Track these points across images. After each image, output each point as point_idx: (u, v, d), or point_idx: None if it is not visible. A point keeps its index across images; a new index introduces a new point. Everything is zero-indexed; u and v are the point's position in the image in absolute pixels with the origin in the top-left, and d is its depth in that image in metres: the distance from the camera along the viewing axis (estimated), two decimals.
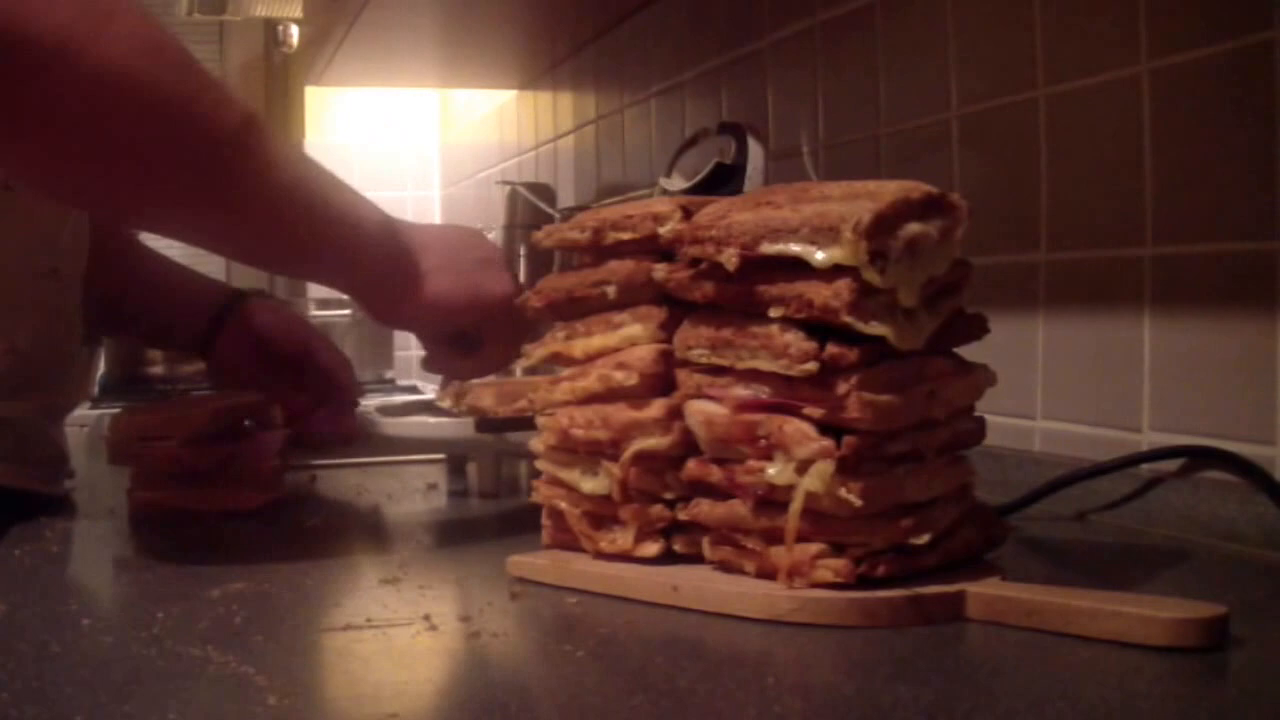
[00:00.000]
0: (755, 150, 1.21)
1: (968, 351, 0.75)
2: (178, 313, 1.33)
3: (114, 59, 0.77)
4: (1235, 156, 0.89)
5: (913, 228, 0.68)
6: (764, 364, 0.69)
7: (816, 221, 0.67)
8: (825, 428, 0.68)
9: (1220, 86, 0.90)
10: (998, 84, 1.11)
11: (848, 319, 0.66)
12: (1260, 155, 0.87)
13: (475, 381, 1.08)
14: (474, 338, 1.06)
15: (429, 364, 1.10)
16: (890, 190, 0.69)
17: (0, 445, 1.11)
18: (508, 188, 1.96)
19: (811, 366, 0.67)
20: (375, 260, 0.95)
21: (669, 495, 0.77)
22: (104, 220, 1.19)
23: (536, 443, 0.83)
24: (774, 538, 0.70)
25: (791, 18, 1.43)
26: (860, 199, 0.69)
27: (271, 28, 3.29)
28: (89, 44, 0.76)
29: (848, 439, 0.67)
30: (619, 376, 0.78)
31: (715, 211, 0.73)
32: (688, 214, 0.74)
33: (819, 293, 0.67)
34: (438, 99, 3.23)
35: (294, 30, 3.14)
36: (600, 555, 0.78)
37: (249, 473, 1.07)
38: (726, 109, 1.60)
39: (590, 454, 0.79)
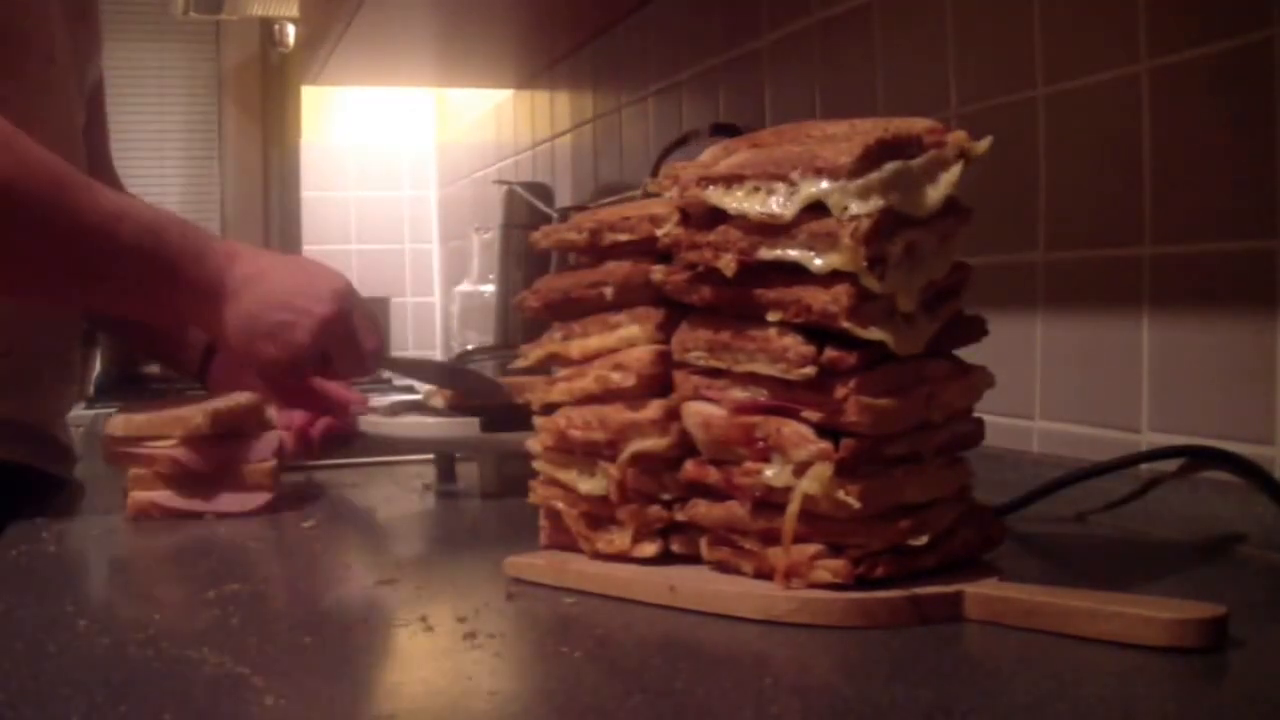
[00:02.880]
0: None
1: (966, 352, 0.75)
2: (179, 328, 1.34)
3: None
4: (1234, 156, 0.89)
5: (912, 233, 0.68)
6: (762, 367, 0.69)
7: (814, 227, 0.67)
8: (823, 429, 0.68)
9: (1219, 86, 0.90)
10: (996, 83, 1.11)
11: (846, 324, 0.66)
12: (1259, 154, 0.86)
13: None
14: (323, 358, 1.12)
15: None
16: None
17: (10, 437, 1.13)
18: (505, 187, 1.95)
19: (810, 370, 0.67)
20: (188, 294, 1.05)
21: (666, 496, 0.77)
22: None
23: (534, 443, 0.83)
24: (772, 539, 0.70)
25: (789, 17, 1.43)
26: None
27: (267, 27, 3.28)
28: None
29: (846, 441, 0.67)
30: (616, 377, 0.78)
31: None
32: (686, 218, 0.74)
33: (817, 298, 0.67)
34: (434, 98, 3.23)
35: (290, 29, 3.14)
36: (598, 556, 0.78)
37: (246, 474, 1.07)
38: (724, 109, 1.60)
39: (588, 455, 0.79)
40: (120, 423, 1.06)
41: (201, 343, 1.32)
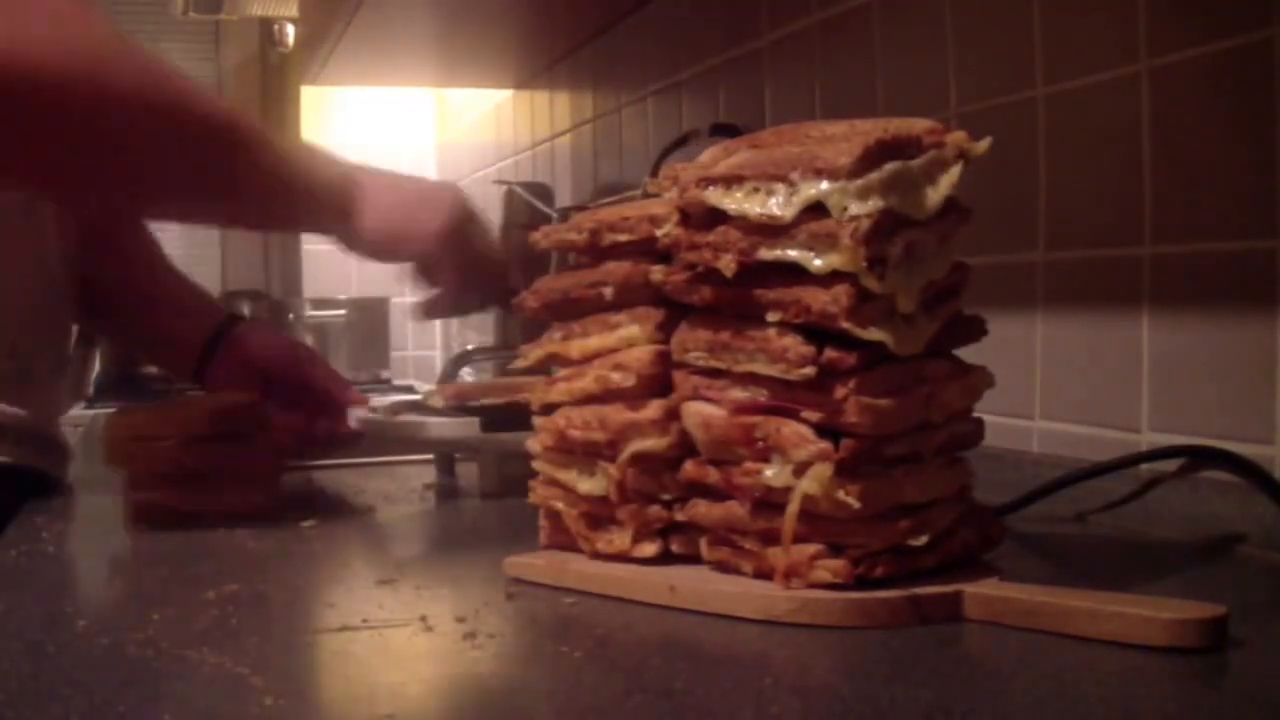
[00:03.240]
0: None
1: (965, 352, 0.75)
2: (174, 333, 1.35)
3: (118, 90, 0.89)
4: (1234, 155, 0.89)
5: (911, 233, 0.68)
6: (762, 367, 0.69)
7: (814, 228, 0.67)
8: (823, 429, 0.68)
9: (1219, 85, 0.90)
10: (996, 83, 1.11)
11: (846, 325, 0.66)
12: (1259, 154, 0.86)
13: (469, 381, 1.12)
14: (432, 271, 1.17)
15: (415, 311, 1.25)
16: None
17: (6, 438, 1.13)
18: (504, 187, 1.95)
19: (810, 371, 0.67)
20: (333, 209, 1.10)
21: (666, 496, 0.77)
22: (114, 215, 1.32)
23: (534, 443, 0.83)
24: (772, 539, 0.70)
25: (789, 17, 1.43)
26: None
27: (267, 27, 3.28)
28: (91, 78, 0.87)
29: (846, 442, 0.67)
30: (616, 377, 0.77)
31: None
32: (686, 218, 0.74)
33: (817, 298, 0.67)
34: (434, 98, 3.23)
35: (289, 29, 3.13)
36: (597, 556, 0.78)
37: (245, 474, 1.06)
38: (724, 108, 1.60)
39: (587, 455, 0.79)
40: (119, 422, 1.06)
41: (198, 344, 1.32)
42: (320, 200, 1.09)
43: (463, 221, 1.15)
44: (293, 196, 1.08)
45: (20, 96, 0.83)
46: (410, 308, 1.23)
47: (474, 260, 1.17)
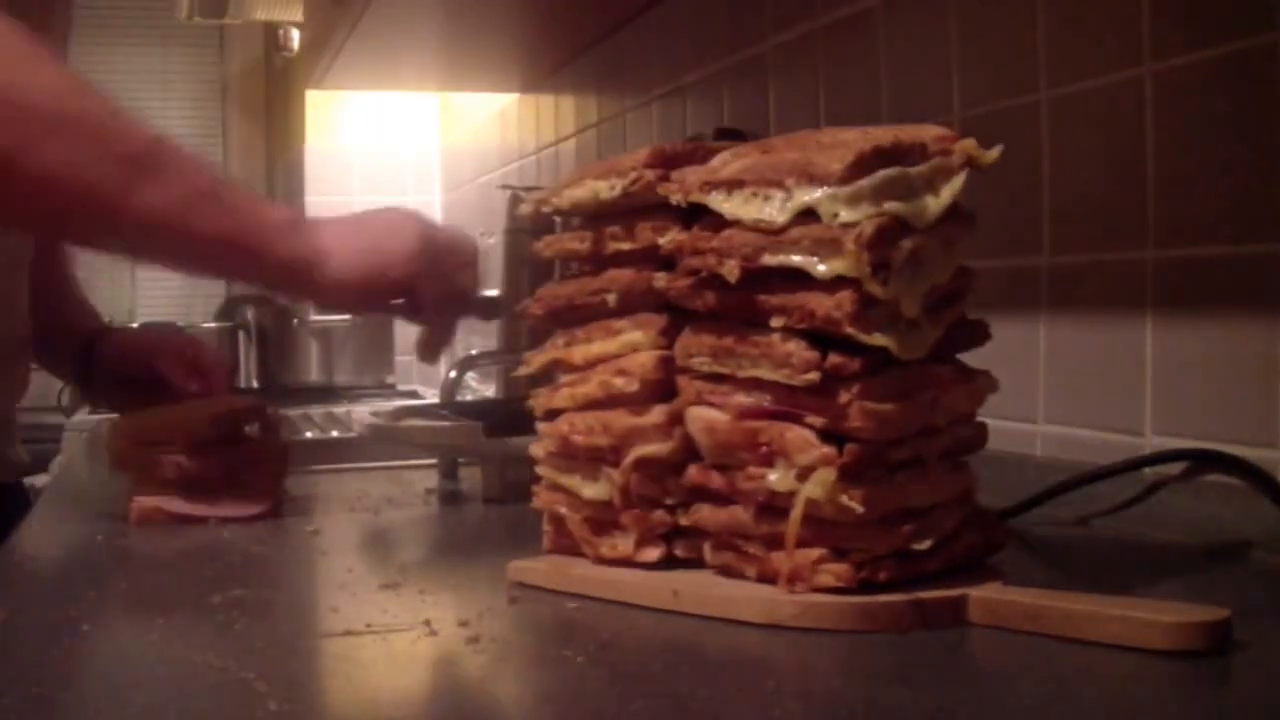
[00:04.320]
0: None
1: (969, 356, 0.75)
2: (58, 342, 1.38)
3: (30, 100, 0.89)
4: (1238, 159, 0.89)
5: (915, 238, 0.68)
6: (765, 373, 0.69)
7: (817, 233, 0.67)
8: (827, 434, 0.68)
9: (1223, 89, 0.90)
10: (1000, 87, 1.11)
11: (850, 330, 0.66)
12: (1263, 158, 0.86)
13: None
14: (411, 304, 1.09)
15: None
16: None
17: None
18: (509, 192, 1.96)
19: (813, 376, 0.67)
20: (280, 251, 1.01)
21: (670, 501, 0.77)
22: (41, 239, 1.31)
23: (537, 448, 0.83)
24: (775, 543, 0.70)
25: (793, 21, 1.43)
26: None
27: (272, 31, 3.29)
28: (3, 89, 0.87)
29: (849, 447, 0.67)
30: (619, 383, 0.78)
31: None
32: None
33: (821, 304, 0.67)
34: (439, 102, 3.24)
35: (294, 34, 3.14)
36: (601, 560, 0.78)
37: (250, 479, 1.07)
38: (728, 113, 1.60)
39: (591, 460, 0.79)
40: (124, 428, 1.06)
41: (70, 356, 1.34)
42: (274, 240, 1.01)
43: (430, 242, 1.07)
44: (243, 231, 1.00)
45: None
46: (415, 352, 1.15)
47: (449, 281, 1.09)
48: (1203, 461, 0.90)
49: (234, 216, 0.99)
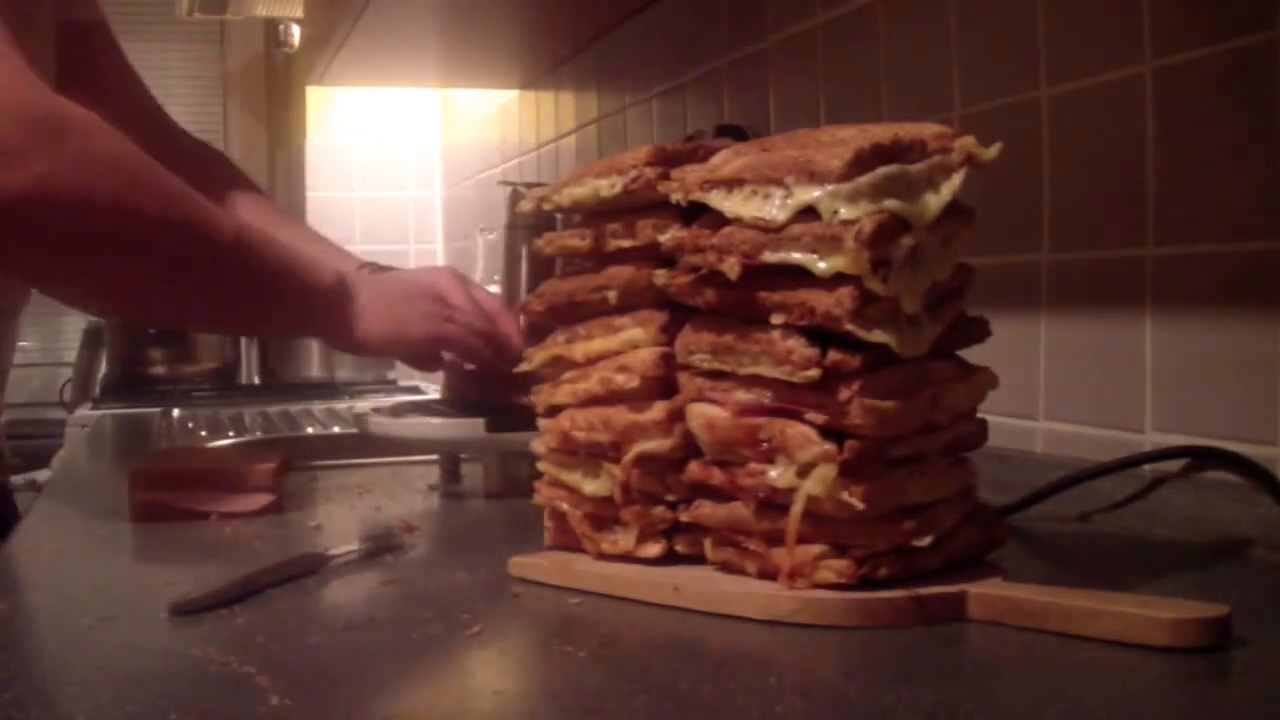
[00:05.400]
0: None
1: (969, 353, 0.75)
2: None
3: (141, 216, 0.94)
4: (1238, 156, 0.89)
5: (915, 235, 0.68)
6: (766, 370, 0.69)
7: (818, 230, 0.67)
8: (827, 431, 0.68)
9: (1223, 86, 0.90)
10: (1000, 84, 1.11)
11: (850, 327, 0.66)
12: (1263, 155, 0.86)
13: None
14: (429, 359, 1.22)
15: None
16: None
17: None
18: (509, 188, 1.96)
19: (814, 373, 0.67)
20: (322, 317, 1.15)
21: (671, 497, 0.77)
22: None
23: (538, 444, 0.83)
24: (776, 539, 0.70)
25: (794, 18, 1.43)
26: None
27: (272, 27, 3.28)
28: (116, 207, 0.92)
29: (850, 443, 0.67)
30: (620, 379, 0.78)
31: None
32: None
33: (821, 300, 0.67)
34: (439, 99, 3.23)
35: (295, 30, 3.14)
36: (602, 556, 0.78)
37: (251, 474, 1.07)
38: (728, 109, 1.60)
39: (592, 456, 0.79)
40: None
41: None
42: (314, 311, 1.13)
43: (454, 309, 1.19)
44: (288, 306, 1.12)
45: (49, 226, 0.89)
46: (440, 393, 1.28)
47: (468, 343, 1.19)
48: (1203, 458, 0.90)
49: (298, 295, 1.10)
